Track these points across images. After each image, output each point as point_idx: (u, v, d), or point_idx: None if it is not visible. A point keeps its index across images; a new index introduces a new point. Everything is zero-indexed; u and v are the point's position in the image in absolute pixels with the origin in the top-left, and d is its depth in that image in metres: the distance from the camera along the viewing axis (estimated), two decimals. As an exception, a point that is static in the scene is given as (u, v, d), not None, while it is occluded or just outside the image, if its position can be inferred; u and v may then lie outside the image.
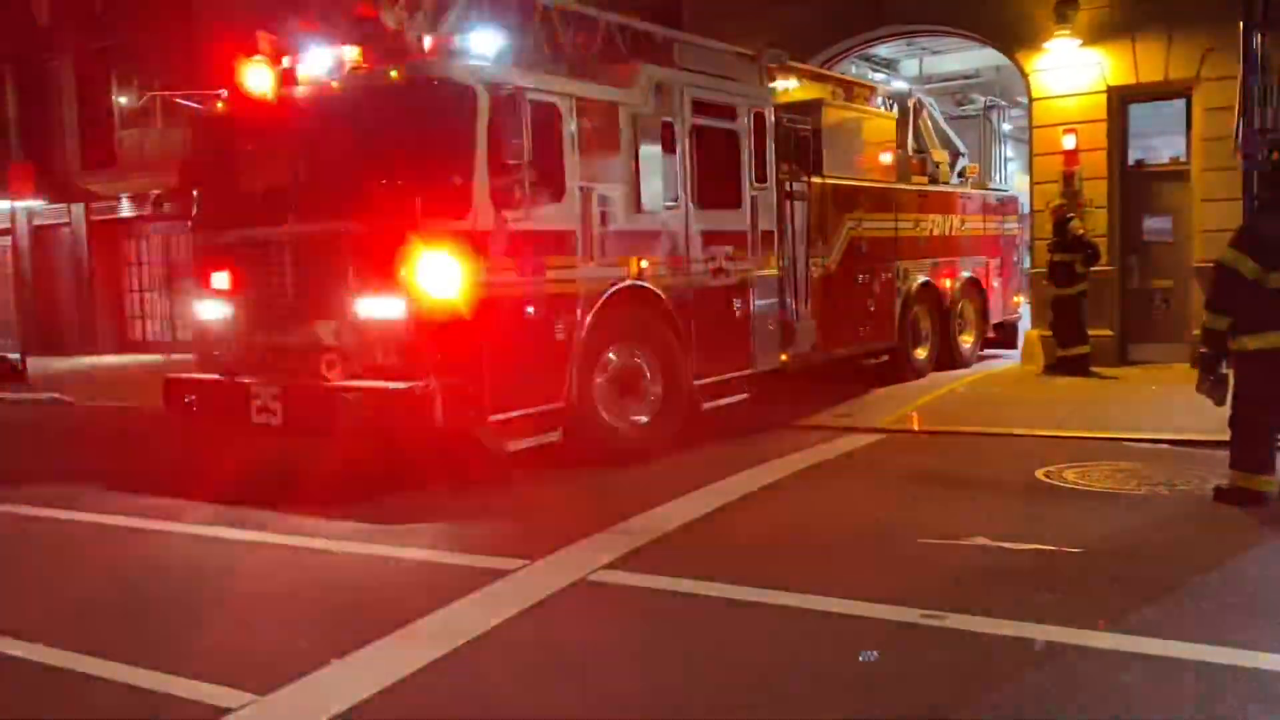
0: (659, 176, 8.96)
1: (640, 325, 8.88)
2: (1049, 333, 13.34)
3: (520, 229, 7.78)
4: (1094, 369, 12.77)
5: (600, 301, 8.43)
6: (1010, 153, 19.80)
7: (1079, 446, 8.96)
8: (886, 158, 12.64)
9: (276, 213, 8.09)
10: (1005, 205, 15.51)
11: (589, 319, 8.35)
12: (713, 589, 5.59)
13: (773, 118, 10.42)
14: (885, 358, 12.77)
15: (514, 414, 7.84)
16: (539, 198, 7.89)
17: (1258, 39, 10.92)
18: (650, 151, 8.90)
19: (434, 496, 8.00)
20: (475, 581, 5.74)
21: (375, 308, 7.56)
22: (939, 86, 18.46)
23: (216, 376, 8.36)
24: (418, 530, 7.01)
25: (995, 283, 14.96)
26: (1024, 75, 14.24)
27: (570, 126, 8.19)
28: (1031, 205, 14.39)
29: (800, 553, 6.42)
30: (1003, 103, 16.53)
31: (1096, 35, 13.47)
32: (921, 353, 13.25)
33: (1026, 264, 15.45)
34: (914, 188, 13.35)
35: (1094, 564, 5.90)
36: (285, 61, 8.23)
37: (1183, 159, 13.64)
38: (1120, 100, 13.69)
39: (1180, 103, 13.49)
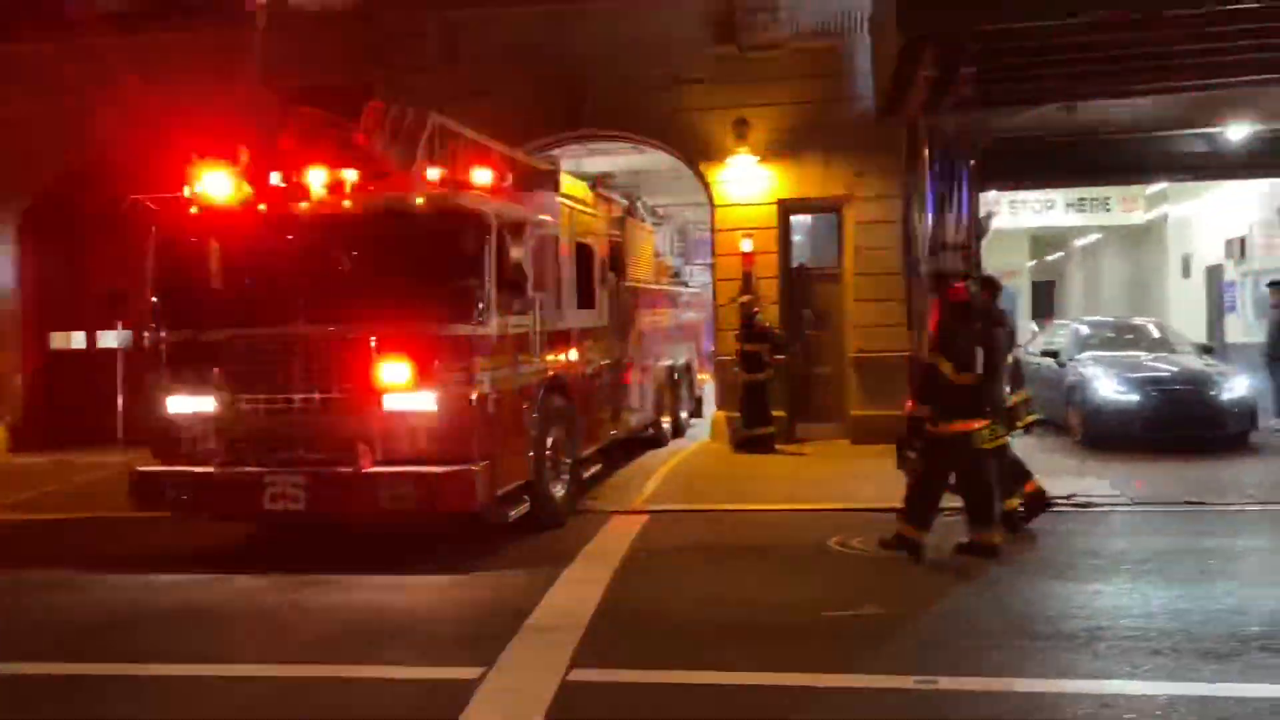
0: (567, 284, 10.67)
1: (560, 410, 10.45)
2: (735, 414, 14.99)
3: (510, 332, 9.23)
4: (777, 446, 14.58)
5: (543, 390, 9.97)
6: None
7: (823, 518, 10.08)
8: (651, 262, 15.04)
9: (282, 314, 8.81)
10: (700, 300, 18.49)
11: (538, 405, 9.85)
12: (704, 678, 5.87)
13: (606, 234, 12.47)
14: (650, 430, 15.06)
15: (507, 488, 9.19)
16: (516, 305, 9.37)
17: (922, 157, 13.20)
18: (561, 264, 10.62)
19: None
20: (454, 696, 5.66)
21: (410, 401, 8.58)
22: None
23: (210, 469, 8.78)
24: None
25: (695, 364, 17.82)
26: (706, 185, 15.71)
27: (530, 244, 9.70)
28: (714, 299, 16.38)
29: (726, 634, 6.69)
30: (686, 212, 19.42)
31: (768, 154, 15.31)
32: (667, 422, 15.68)
33: (709, 349, 18.12)
34: (665, 287, 15.95)
35: (991, 621, 6.82)
36: (275, 178, 9.01)
37: (834, 265, 16.31)
38: (787, 211, 15.75)
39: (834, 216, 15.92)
